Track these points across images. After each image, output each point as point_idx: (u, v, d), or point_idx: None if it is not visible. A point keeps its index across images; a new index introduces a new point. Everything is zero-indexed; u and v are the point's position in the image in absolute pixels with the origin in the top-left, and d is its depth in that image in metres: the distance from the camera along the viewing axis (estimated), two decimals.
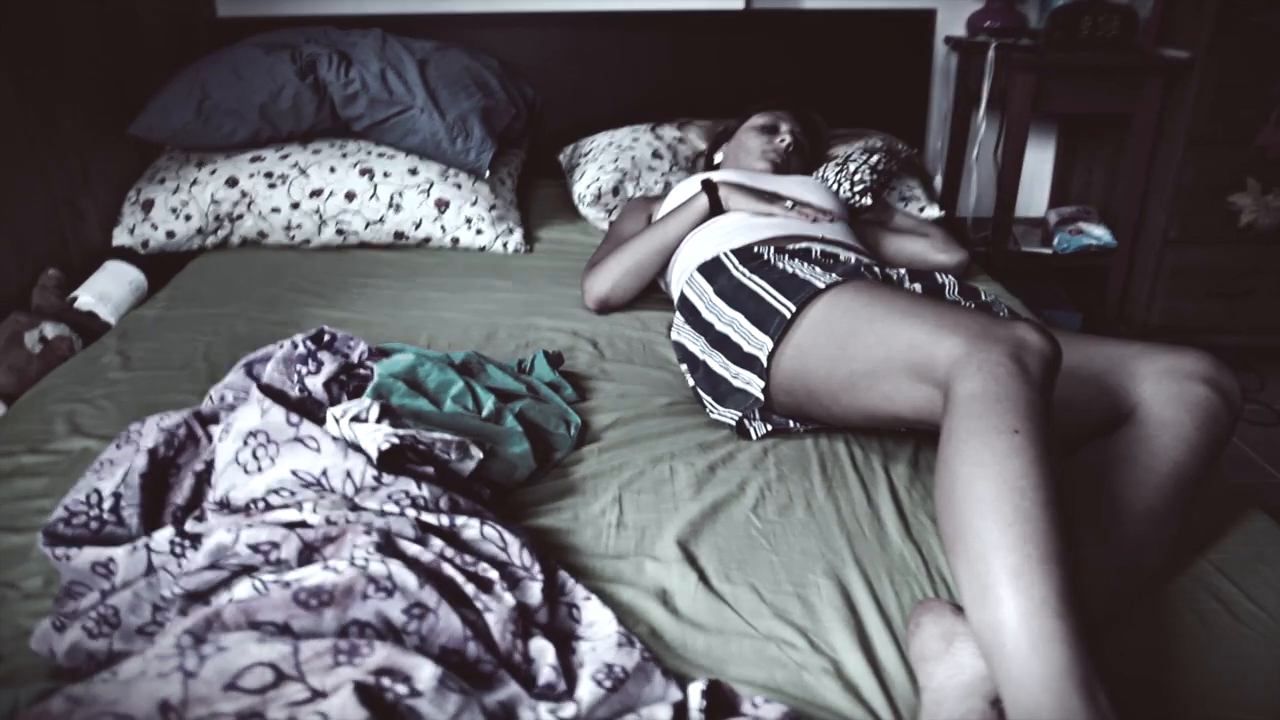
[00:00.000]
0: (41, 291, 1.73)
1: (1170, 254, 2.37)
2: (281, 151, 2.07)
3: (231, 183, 2.01)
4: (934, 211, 2.12)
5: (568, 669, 0.83)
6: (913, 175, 2.22)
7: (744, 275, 1.37)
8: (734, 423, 1.31)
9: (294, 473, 1.00)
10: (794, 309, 1.23)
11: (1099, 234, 2.45)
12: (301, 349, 1.30)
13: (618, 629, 0.87)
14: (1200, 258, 2.36)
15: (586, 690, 0.79)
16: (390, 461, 1.01)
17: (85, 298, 1.74)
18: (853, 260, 1.46)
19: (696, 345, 1.40)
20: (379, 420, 1.03)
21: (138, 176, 2.11)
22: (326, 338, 1.34)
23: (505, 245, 2.07)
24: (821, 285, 1.23)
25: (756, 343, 1.27)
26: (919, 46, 2.50)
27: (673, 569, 1.02)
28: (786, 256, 1.41)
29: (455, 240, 2.06)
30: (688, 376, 1.43)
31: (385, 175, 2.04)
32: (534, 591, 0.91)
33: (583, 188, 2.15)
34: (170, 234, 2.01)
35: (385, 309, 1.78)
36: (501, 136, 2.24)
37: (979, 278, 1.92)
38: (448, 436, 1.06)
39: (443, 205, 2.04)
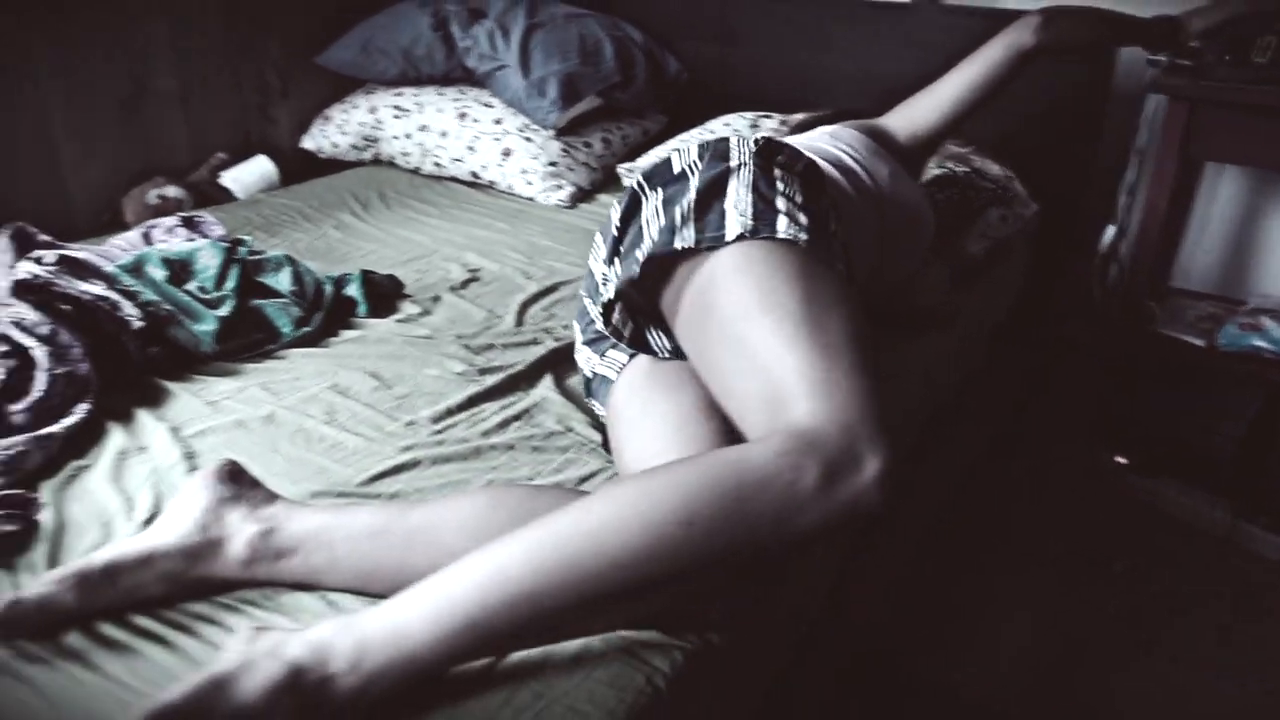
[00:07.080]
0: (203, 166, 2.33)
1: None
2: (417, 90, 2.45)
3: (372, 110, 2.44)
4: None
5: None
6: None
7: (742, 170, 1.09)
8: (607, 300, 1.11)
9: None
10: (695, 240, 1.01)
11: (1279, 335, 1.79)
12: (170, 222, 1.67)
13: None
14: None
15: None
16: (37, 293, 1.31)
17: (227, 178, 2.31)
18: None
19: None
20: (54, 265, 1.34)
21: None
22: (197, 220, 1.70)
23: (548, 199, 2.22)
24: (743, 231, 1.00)
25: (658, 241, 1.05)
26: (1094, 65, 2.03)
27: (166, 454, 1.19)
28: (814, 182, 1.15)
29: (511, 187, 2.26)
30: (613, 224, 1.15)
31: (475, 121, 2.31)
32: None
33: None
34: (335, 145, 2.51)
35: (390, 225, 2.07)
36: (614, 103, 2.38)
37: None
38: (116, 297, 1.34)
39: (507, 154, 2.25)
